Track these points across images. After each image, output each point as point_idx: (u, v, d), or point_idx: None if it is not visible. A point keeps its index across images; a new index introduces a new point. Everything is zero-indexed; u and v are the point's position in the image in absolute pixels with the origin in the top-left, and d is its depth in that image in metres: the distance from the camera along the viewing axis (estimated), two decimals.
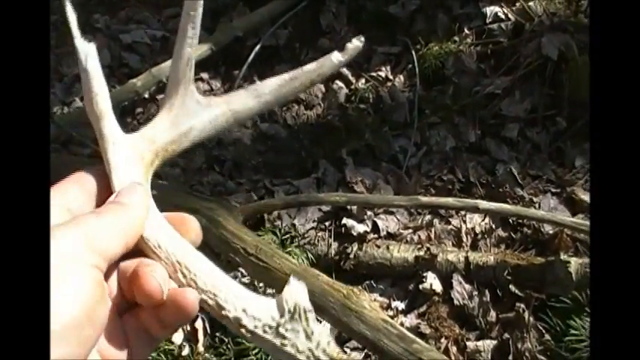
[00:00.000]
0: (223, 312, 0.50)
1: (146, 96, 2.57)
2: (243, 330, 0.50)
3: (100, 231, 0.48)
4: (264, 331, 0.50)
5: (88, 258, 0.47)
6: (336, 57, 0.61)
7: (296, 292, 0.52)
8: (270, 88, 0.59)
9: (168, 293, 0.50)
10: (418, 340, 1.69)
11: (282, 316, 0.51)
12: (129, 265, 0.52)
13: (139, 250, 0.52)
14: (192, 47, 0.58)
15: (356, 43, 0.61)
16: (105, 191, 0.54)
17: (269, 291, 1.96)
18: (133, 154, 0.55)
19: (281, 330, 0.50)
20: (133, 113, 2.55)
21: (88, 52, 0.55)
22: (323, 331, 0.51)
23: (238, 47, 2.76)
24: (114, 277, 0.52)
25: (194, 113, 0.58)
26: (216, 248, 1.85)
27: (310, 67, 0.60)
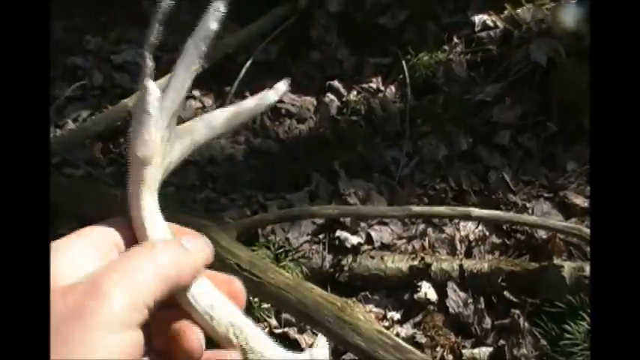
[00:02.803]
0: None
1: None
2: None
3: (145, 278, 0.46)
4: None
5: (133, 318, 0.45)
6: (270, 95, 0.62)
7: (323, 351, 0.55)
8: (220, 119, 0.60)
9: (211, 355, 0.51)
10: (414, 350, 1.70)
11: None
12: (166, 317, 0.51)
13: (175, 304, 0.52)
14: (191, 81, 0.58)
15: (283, 86, 0.62)
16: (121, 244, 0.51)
17: (264, 305, 1.97)
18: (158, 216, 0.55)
19: None
20: (126, 133, 2.55)
21: (153, 95, 0.54)
22: None
23: (229, 64, 2.77)
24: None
25: (172, 146, 0.58)
26: (210, 265, 1.86)
27: (250, 101, 0.61)
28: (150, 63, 0.54)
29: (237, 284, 0.55)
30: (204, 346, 0.51)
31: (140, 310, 0.45)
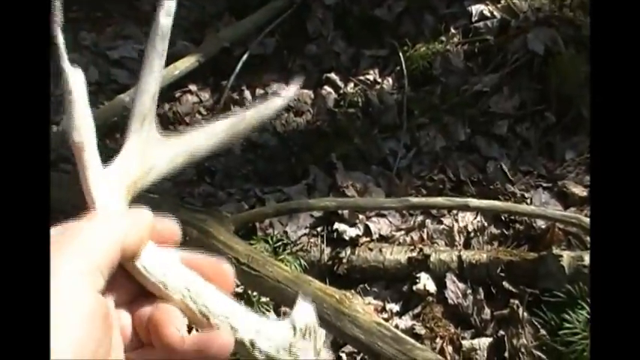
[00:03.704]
0: (237, 335, 0.51)
1: None
2: (256, 352, 0.51)
3: (97, 242, 0.47)
4: (277, 351, 0.52)
5: (91, 282, 0.45)
6: (278, 100, 0.62)
7: (305, 312, 0.54)
8: (222, 128, 0.60)
9: (196, 341, 0.50)
10: (413, 341, 1.69)
11: (294, 335, 0.52)
12: (145, 311, 0.51)
13: (152, 295, 0.52)
14: (159, 80, 0.58)
15: (295, 86, 0.63)
16: None
17: (263, 299, 1.96)
18: (110, 187, 0.55)
19: (293, 349, 0.52)
20: (123, 129, 2.55)
21: (75, 77, 0.54)
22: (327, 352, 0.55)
23: (226, 58, 2.76)
24: (128, 322, 0.51)
25: (155, 151, 0.58)
26: None
27: (256, 108, 0.61)
28: (62, 42, 0.53)
29: (225, 266, 0.54)
30: (185, 334, 0.50)
31: (95, 275, 0.46)
